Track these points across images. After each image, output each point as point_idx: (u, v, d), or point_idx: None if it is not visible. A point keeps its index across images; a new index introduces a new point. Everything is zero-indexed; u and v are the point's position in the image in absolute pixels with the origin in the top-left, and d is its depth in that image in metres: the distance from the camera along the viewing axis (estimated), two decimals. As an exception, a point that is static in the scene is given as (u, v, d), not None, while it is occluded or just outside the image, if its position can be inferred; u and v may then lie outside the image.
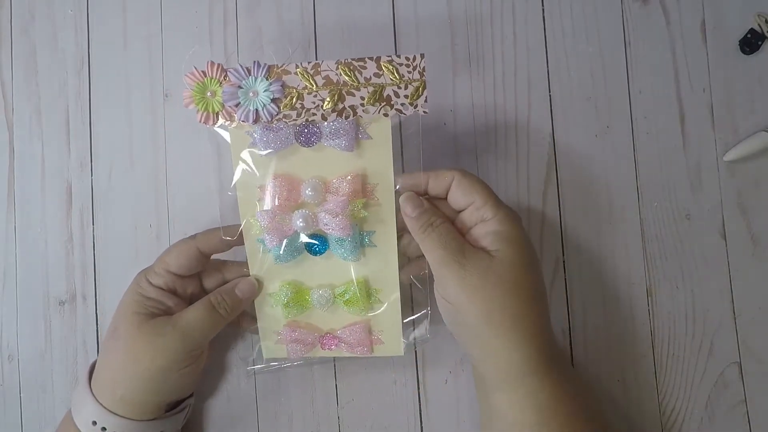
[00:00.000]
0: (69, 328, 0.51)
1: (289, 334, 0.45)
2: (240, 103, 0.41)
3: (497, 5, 0.51)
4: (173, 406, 0.46)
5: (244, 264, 0.45)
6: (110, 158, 0.52)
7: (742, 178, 0.50)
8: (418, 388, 0.49)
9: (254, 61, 0.40)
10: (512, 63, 0.51)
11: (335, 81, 0.41)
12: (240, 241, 0.44)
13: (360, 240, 0.43)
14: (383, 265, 0.44)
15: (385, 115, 0.41)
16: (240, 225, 0.44)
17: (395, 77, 0.40)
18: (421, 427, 0.49)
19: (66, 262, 0.51)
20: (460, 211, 0.42)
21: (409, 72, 0.40)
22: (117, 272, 0.51)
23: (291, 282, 0.45)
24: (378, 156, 0.42)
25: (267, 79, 0.41)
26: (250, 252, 0.45)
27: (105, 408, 0.42)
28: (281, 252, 0.43)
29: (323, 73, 0.41)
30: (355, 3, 0.51)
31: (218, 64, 0.41)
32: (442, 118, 0.50)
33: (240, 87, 0.41)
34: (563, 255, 0.50)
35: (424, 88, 0.41)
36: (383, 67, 0.40)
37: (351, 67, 0.40)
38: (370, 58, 0.40)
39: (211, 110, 0.41)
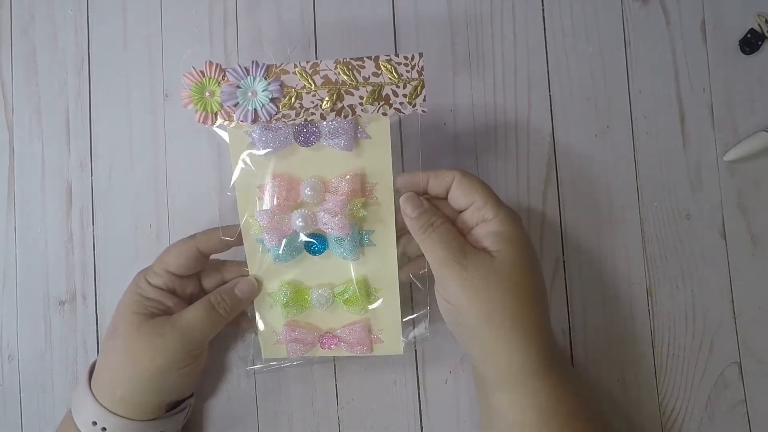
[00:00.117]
0: (69, 328, 0.51)
1: (288, 334, 0.45)
2: (239, 103, 0.41)
3: (497, 5, 0.51)
4: (173, 406, 0.46)
5: (244, 264, 0.45)
6: (110, 158, 0.52)
7: (742, 178, 0.50)
8: (418, 388, 0.49)
9: (252, 61, 0.40)
10: (512, 63, 0.51)
11: (334, 80, 0.41)
12: (239, 241, 0.44)
13: (359, 239, 0.43)
14: (382, 264, 0.44)
15: (384, 114, 0.41)
16: (239, 225, 0.44)
17: (394, 76, 0.41)
18: (421, 427, 0.49)
19: (66, 262, 0.51)
20: (460, 212, 0.42)
21: (408, 71, 0.40)
22: (117, 272, 0.51)
23: (290, 282, 0.45)
24: (377, 155, 0.42)
25: (265, 79, 0.41)
26: (249, 252, 0.45)
27: (105, 408, 0.42)
28: (280, 252, 0.43)
29: (322, 73, 0.41)
30: (355, 3, 0.51)
31: (216, 64, 0.41)
32: (442, 118, 0.50)
33: (238, 87, 0.41)
34: (563, 255, 0.50)
35: (422, 87, 0.41)
36: (382, 67, 0.40)
37: (349, 67, 0.40)
38: (369, 58, 0.40)
39: (209, 110, 0.41)
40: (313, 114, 0.41)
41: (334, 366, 0.50)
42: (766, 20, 0.50)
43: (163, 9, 0.52)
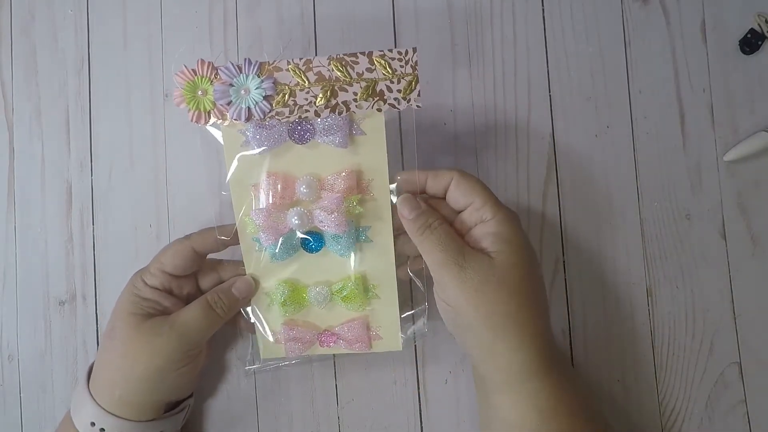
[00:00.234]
0: (69, 328, 0.51)
1: (287, 333, 0.45)
2: (232, 101, 0.41)
3: (497, 5, 0.51)
4: (172, 407, 0.46)
5: (240, 263, 0.45)
6: (110, 158, 0.52)
7: (742, 178, 0.50)
8: (418, 388, 0.49)
9: (245, 59, 0.40)
10: (512, 63, 0.51)
11: (327, 77, 0.40)
12: (235, 240, 0.44)
13: (356, 236, 0.43)
14: (380, 260, 0.44)
15: (379, 110, 0.41)
16: (235, 224, 0.44)
17: (388, 72, 0.40)
18: (421, 427, 0.49)
19: (66, 262, 0.51)
20: (459, 212, 0.42)
21: (402, 66, 0.40)
22: (117, 272, 0.51)
23: (287, 280, 0.45)
24: (372, 151, 0.42)
25: (258, 77, 0.40)
26: (245, 251, 0.44)
27: (103, 409, 0.42)
28: (277, 250, 0.43)
29: (315, 69, 0.40)
30: (355, 3, 0.51)
31: (209, 62, 0.41)
32: (442, 118, 0.50)
33: (231, 85, 0.41)
34: (563, 255, 0.50)
35: (416, 82, 0.41)
36: (375, 62, 0.40)
37: (343, 63, 0.40)
38: (362, 53, 0.40)
39: (202, 109, 0.41)
40: (307, 111, 0.41)
41: (334, 366, 0.50)
42: (766, 20, 0.50)
43: (163, 9, 0.52)
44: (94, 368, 0.44)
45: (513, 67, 0.51)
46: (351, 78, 0.40)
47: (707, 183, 0.50)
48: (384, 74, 0.40)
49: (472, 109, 0.50)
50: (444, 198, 0.43)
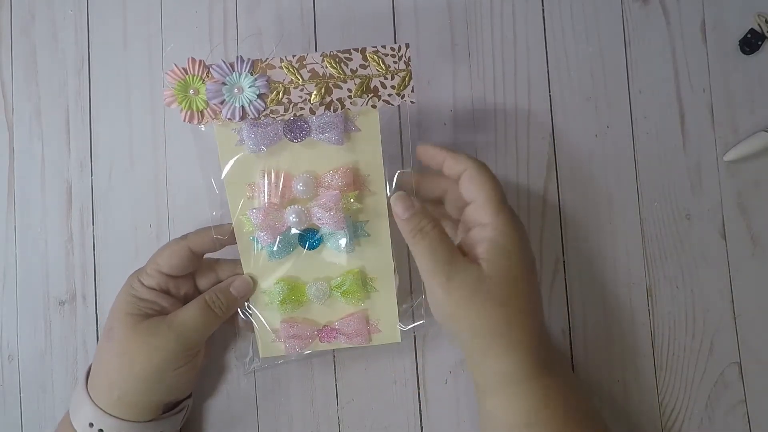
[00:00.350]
0: (69, 328, 0.51)
1: (286, 330, 0.45)
2: (225, 100, 0.40)
3: (497, 5, 0.51)
4: (171, 407, 0.46)
5: (238, 262, 0.45)
6: (110, 158, 0.52)
7: (742, 178, 0.50)
8: (418, 388, 0.49)
9: (237, 56, 0.40)
10: (512, 63, 0.51)
11: (321, 74, 0.40)
12: (232, 239, 0.44)
13: (354, 231, 0.43)
14: (378, 253, 0.44)
15: (373, 106, 0.41)
16: (231, 223, 0.44)
17: (381, 68, 0.40)
18: (421, 427, 0.49)
19: (66, 262, 0.51)
20: (465, 206, 0.42)
21: (395, 62, 0.40)
22: (117, 272, 0.51)
23: (286, 278, 0.45)
24: (368, 148, 0.42)
25: (251, 75, 0.40)
26: (242, 250, 0.44)
27: (102, 410, 0.42)
28: (275, 249, 0.43)
29: (309, 66, 0.40)
30: (355, 2, 0.51)
31: (200, 61, 0.40)
32: (442, 118, 0.50)
33: (224, 83, 0.40)
34: (563, 255, 0.50)
35: (410, 78, 0.41)
36: (369, 58, 0.40)
37: (337, 59, 0.40)
38: (355, 50, 0.40)
39: (195, 108, 0.41)
40: (302, 109, 0.41)
41: (334, 365, 0.50)
42: (766, 20, 0.50)
43: (163, 9, 0.52)
44: (92, 369, 0.44)
45: (513, 66, 0.51)
46: (345, 75, 0.40)
47: (707, 183, 0.50)
48: (378, 70, 0.40)
49: (472, 109, 0.50)
50: (441, 199, 0.42)
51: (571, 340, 0.49)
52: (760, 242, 0.49)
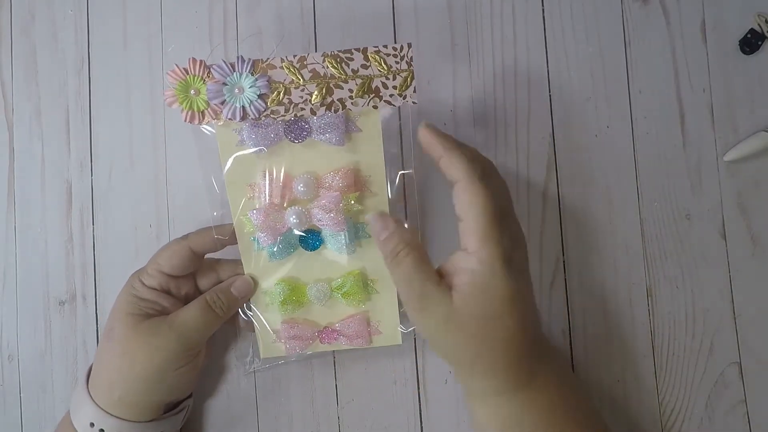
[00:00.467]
0: (69, 328, 0.51)
1: (287, 331, 0.45)
2: (226, 100, 0.40)
3: (497, 5, 0.51)
4: (172, 407, 0.46)
5: (239, 262, 0.45)
6: (110, 158, 0.52)
7: (742, 178, 0.50)
8: (418, 388, 0.49)
9: (238, 56, 0.40)
10: (512, 63, 0.51)
11: (322, 74, 0.40)
12: (233, 240, 0.44)
13: (355, 232, 0.43)
14: (379, 255, 0.44)
15: (375, 107, 0.41)
16: (232, 224, 0.44)
17: (383, 68, 0.40)
18: (421, 427, 0.49)
19: (66, 262, 0.51)
20: None
21: (397, 62, 0.40)
22: (117, 272, 0.51)
23: (286, 279, 0.45)
24: (369, 148, 0.42)
25: (252, 75, 0.40)
26: (243, 250, 0.44)
27: (102, 409, 0.42)
28: (275, 249, 0.43)
29: (310, 67, 0.40)
30: (355, 2, 0.51)
31: (200, 61, 0.40)
32: (442, 118, 0.50)
33: (225, 84, 0.40)
34: (563, 255, 0.50)
35: (412, 79, 0.40)
36: (370, 58, 0.40)
37: (338, 59, 0.40)
38: (357, 50, 0.40)
39: (196, 109, 0.41)
40: (302, 109, 0.41)
41: (334, 366, 0.50)
42: (766, 20, 0.50)
43: (163, 9, 0.52)
44: (92, 369, 0.44)
45: (513, 67, 0.51)
46: (346, 75, 0.40)
47: (707, 183, 0.50)
48: (379, 71, 0.40)
49: (471, 109, 0.50)
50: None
51: (571, 340, 0.49)
52: (760, 242, 0.49)
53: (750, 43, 0.50)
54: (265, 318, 0.46)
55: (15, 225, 0.52)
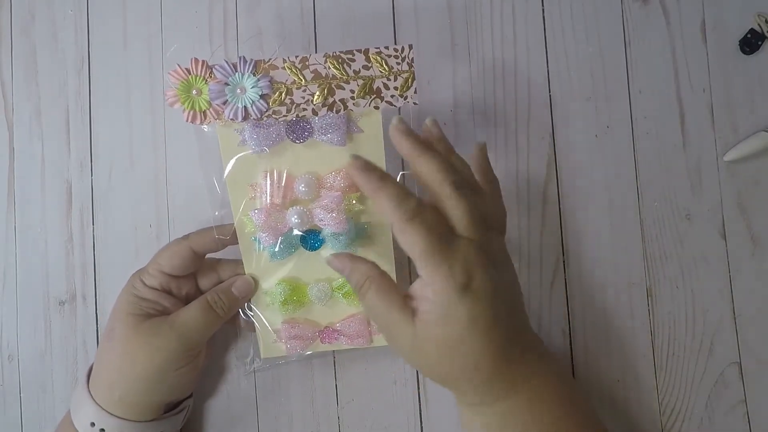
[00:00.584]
0: (69, 328, 0.51)
1: (287, 331, 0.45)
2: (228, 100, 0.40)
3: (497, 5, 0.51)
4: (172, 407, 0.46)
5: (239, 262, 0.45)
6: (110, 158, 0.52)
7: (742, 178, 0.50)
8: (418, 388, 0.49)
9: (240, 57, 0.40)
10: (512, 63, 0.51)
11: (324, 75, 0.40)
12: (234, 240, 0.44)
13: (356, 232, 0.43)
14: (379, 255, 0.44)
15: (376, 107, 0.41)
16: (233, 224, 0.44)
17: (384, 69, 0.40)
18: (421, 427, 0.49)
19: (66, 262, 0.51)
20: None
21: (398, 63, 0.40)
22: (117, 272, 0.51)
23: (287, 279, 0.45)
24: (370, 149, 0.42)
25: (254, 75, 0.40)
26: (244, 250, 0.44)
27: (103, 409, 0.42)
28: (276, 249, 0.43)
29: (311, 67, 0.40)
30: (355, 2, 0.51)
31: (203, 61, 0.40)
32: (442, 118, 0.50)
33: (227, 84, 0.40)
34: (563, 255, 0.50)
35: (413, 79, 0.41)
36: (372, 59, 0.40)
37: (339, 60, 0.40)
38: (359, 50, 0.40)
39: (197, 109, 0.41)
40: (304, 110, 0.41)
41: (334, 366, 0.50)
42: (766, 20, 0.50)
43: (163, 9, 0.52)
44: (93, 369, 0.44)
45: (513, 67, 0.51)
46: (348, 75, 0.40)
47: (707, 183, 0.50)
48: (381, 71, 0.40)
49: (471, 109, 0.50)
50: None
51: (571, 340, 0.49)
52: (760, 242, 0.49)
53: (750, 43, 0.50)
54: (266, 318, 0.46)
55: (15, 225, 0.52)
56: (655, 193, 0.50)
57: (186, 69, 0.40)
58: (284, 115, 0.41)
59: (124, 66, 0.52)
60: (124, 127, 0.52)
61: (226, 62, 0.40)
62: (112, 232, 0.51)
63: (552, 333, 0.49)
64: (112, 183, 0.52)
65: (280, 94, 0.41)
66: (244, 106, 0.40)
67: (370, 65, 0.40)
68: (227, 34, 0.52)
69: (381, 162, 0.42)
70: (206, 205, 0.50)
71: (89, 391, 0.43)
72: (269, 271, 0.45)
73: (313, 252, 0.44)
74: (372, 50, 0.40)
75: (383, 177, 0.37)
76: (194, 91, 0.40)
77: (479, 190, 0.40)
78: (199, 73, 0.40)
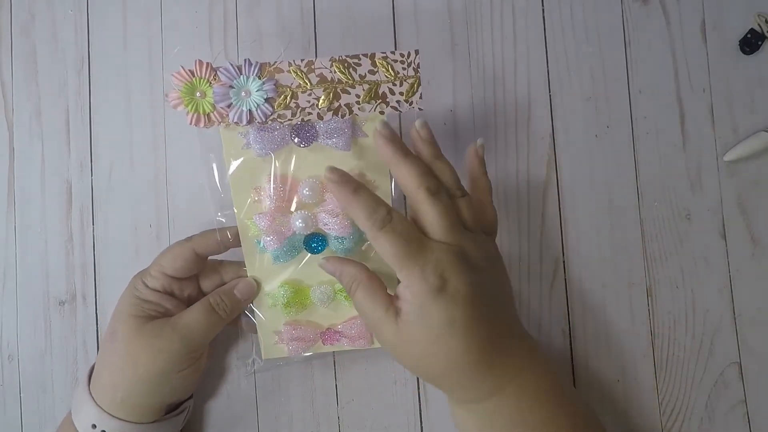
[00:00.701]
0: (69, 328, 0.51)
1: (289, 333, 0.45)
2: (232, 103, 0.40)
3: (497, 5, 0.51)
4: (173, 408, 0.46)
5: (242, 264, 0.45)
6: (110, 158, 0.52)
7: (742, 178, 0.50)
8: (418, 388, 0.49)
9: (245, 60, 0.40)
10: (512, 63, 0.51)
11: (330, 79, 0.40)
12: (236, 242, 0.44)
13: (359, 235, 0.43)
14: (382, 258, 0.44)
15: (381, 112, 0.41)
16: (236, 226, 0.44)
17: (390, 74, 0.40)
18: (421, 427, 0.49)
19: (66, 262, 0.51)
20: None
21: (404, 68, 0.40)
22: (117, 272, 0.51)
23: (290, 281, 0.45)
24: (375, 153, 0.42)
25: (259, 78, 0.40)
26: (247, 252, 0.44)
27: (105, 411, 0.42)
28: (279, 252, 0.43)
29: (317, 71, 0.40)
30: (355, 2, 0.51)
31: (207, 63, 0.40)
32: (442, 118, 0.50)
33: (231, 87, 0.40)
34: (563, 255, 0.50)
35: (419, 85, 0.41)
36: (378, 64, 0.40)
37: (345, 65, 0.40)
38: (365, 55, 0.40)
39: (201, 111, 0.40)
40: (309, 114, 0.41)
41: (335, 366, 0.50)
42: (766, 20, 0.50)
43: (163, 9, 0.52)
44: (94, 370, 0.44)
45: (513, 67, 0.51)
46: (353, 80, 0.40)
47: (707, 183, 0.50)
48: (386, 76, 0.40)
49: (471, 109, 0.50)
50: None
51: (571, 340, 0.49)
52: (760, 242, 0.49)
53: (750, 43, 0.50)
54: (268, 320, 0.46)
55: (15, 225, 0.52)
56: (655, 193, 0.50)
57: (190, 71, 0.40)
58: (289, 119, 0.41)
59: (124, 66, 0.52)
60: (124, 127, 0.52)
61: (231, 65, 0.40)
62: (112, 232, 0.51)
63: (552, 333, 0.49)
64: (112, 183, 0.52)
65: (285, 97, 0.40)
66: (249, 110, 0.40)
67: (376, 70, 0.40)
68: (227, 34, 0.52)
69: (385, 166, 0.42)
70: (207, 205, 0.50)
71: (90, 393, 0.43)
72: (272, 273, 0.45)
73: (316, 254, 0.44)
74: (378, 55, 0.40)
75: (356, 189, 0.39)
76: (198, 94, 0.40)
77: (459, 193, 0.40)
78: (203, 75, 0.40)
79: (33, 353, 0.51)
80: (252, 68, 0.40)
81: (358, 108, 0.41)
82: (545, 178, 0.50)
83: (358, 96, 0.40)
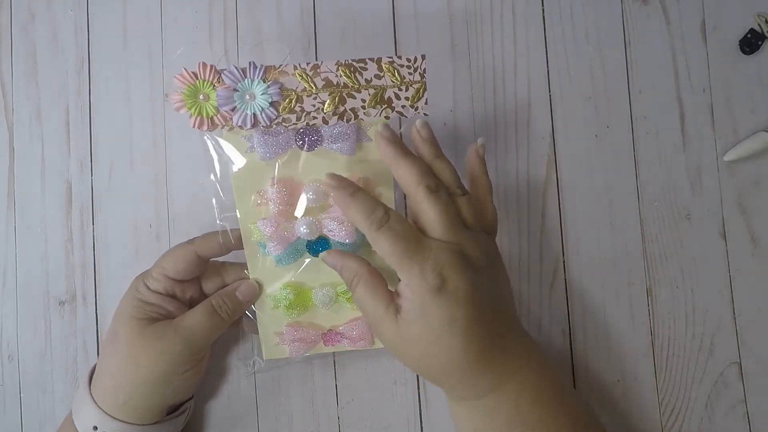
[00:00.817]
0: (69, 328, 0.51)
1: (290, 334, 0.45)
2: (236, 107, 0.40)
3: (497, 5, 0.51)
4: (173, 409, 0.46)
5: (244, 266, 0.45)
6: (110, 158, 0.52)
7: (742, 178, 0.50)
8: (418, 388, 0.49)
9: (249, 62, 0.39)
10: (512, 63, 0.51)
11: (335, 83, 0.40)
12: (239, 244, 0.44)
13: (362, 238, 0.43)
14: (383, 260, 0.44)
15: (387, 117, 0.41)
16: (238, 229, 0.43)
17: (396, 79, 0.40)
18: (421, 427, 0.49)
19: (66, 262, 0.51)
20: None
21: (410, 73, 0.40)
22: (117, 272, 0.51)
23: (292, 283, 0.45)
24: (379, 158, 0.42)
25: (264, 82, 0.39)
26: (249, 255, 0.44)
27: (106, 413, 0.42)
28: (282, 255, 0.43)
29: (323, 75, 0.40)
30: (355, 2, 0.51)
31: (211, 66, 0.39)
32: (442, 118, 0.50)
33: (235, 90, 0.39)
34: (563, 255, 0.50)
35: (424, 90, 0.40)
36: (384, 69, 0.40)
37: (351, 69, 0.40)
38: (371, 59, 0.40)
39: (204, 114, 0.40)
40: (314, 118, 0.40)
41: (335, 366, 0.50)
42: (766, 20, 0.50)
43: (163, 9, 0.52)
44: (96, 372, 0.44)
45: (513, 67, 0.51)
46: (359, 85, 0.40)
47: (707, 183, 0.50)
48: (392, 81, 0.40)
49: (471, 109, 0.50)
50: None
51: (571, 340, 0.49)
52: (760, 242, 0.49)
53: (750, 43, 0.50)
54: (270, 321, 0.46)
55: (15, 225, 0.52)
56: (655, 193, 0.50)
57: (193, 73, 0.39)
58: (294, 123, 0.40)
59: (124, 66, 0.52)
60: (124, 127, 0.52)
61: (236, 68, 0.39)
62: (112, 232, 0.51)
63: (552, 333, 0.49)
64: (112, 183, 0.51)
65: (290, 101, 0.40)
66: (254, 113, 0.39)
67: (382, 75, 0.40)
68: (227, 34, 0.52)
69: (389, 170, 0.42)
70: (207, 206, 0.50)
71: (91, 395, 0.43)
72: (274, 275, 0.45)
73: (319, 257, 0.44)
74: (384, 59, 0.40)
75: (354, 192, 0.39)
76: (201, 97, 0.39)
77: (459, 192, 0.40)
78: (206, 78, 0.39)
79: (33, 353, 0.51)
80: (257, 71, 0.39)
81: (364, 113, 0.40)
82: (545, 178, 0.50)
83: (363, 100, 0.40)
